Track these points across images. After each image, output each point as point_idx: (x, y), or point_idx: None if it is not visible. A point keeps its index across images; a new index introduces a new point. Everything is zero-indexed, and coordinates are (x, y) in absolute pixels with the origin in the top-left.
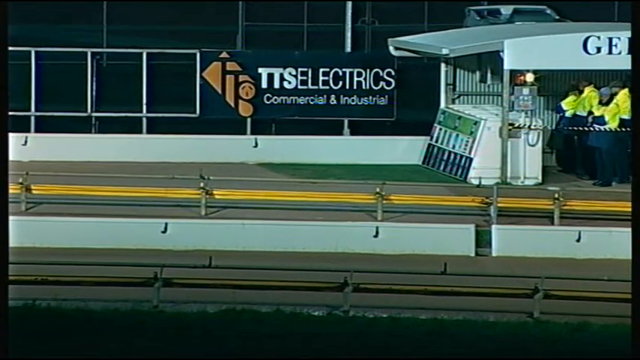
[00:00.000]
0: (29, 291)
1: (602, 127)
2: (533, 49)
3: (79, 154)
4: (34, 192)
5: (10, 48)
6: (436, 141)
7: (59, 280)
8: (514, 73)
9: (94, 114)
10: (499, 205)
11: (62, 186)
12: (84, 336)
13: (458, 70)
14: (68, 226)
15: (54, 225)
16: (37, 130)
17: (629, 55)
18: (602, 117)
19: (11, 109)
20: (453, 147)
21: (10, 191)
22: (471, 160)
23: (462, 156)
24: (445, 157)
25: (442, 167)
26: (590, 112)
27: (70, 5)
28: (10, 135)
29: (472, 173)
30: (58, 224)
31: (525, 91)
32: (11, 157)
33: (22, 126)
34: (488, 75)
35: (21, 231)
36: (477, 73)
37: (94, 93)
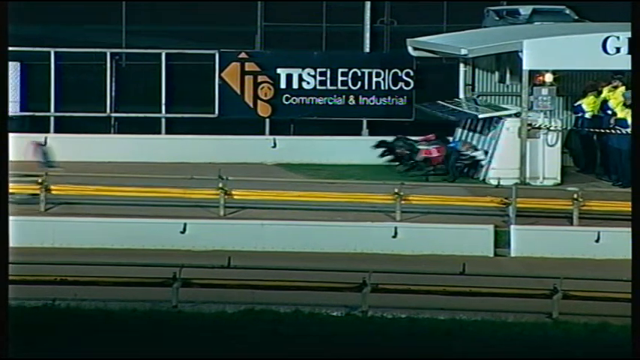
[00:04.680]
0: (49, 291)
1: (625, 130)
2: (552, 49)
3: (98, 155)
4: (53, 192)
5: (30, 49)
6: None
7: (78, 280)
8: (533, 74)
9: (113, 114)
10: (518, 205)
11: (81, 186)
12: (103, 336)
13: (477, 71)
14: (87, 227)
15: (73, 225)
16: (56, 131)
17: None
18: (625, 120)
19: (31, 109)
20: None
21: (30, 191)
22: (490, 160)
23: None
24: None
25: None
26: (614, 114)
27: (89, 6)
28: (30, 135)
29: (491, 174)
30: (77, 224)
31: (544, 91)
32: (30, 157)
33: (41, 126)
34: (507, 75)
35: (40, 231)
36: (496, 73)
37: (113, 93)
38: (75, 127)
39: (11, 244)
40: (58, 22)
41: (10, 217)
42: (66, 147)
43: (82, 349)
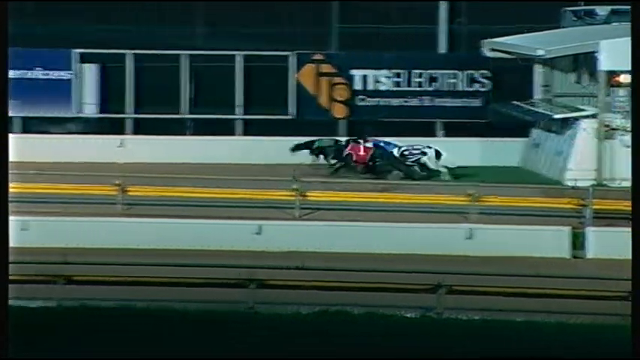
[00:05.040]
0: (125, 292)
1: None
2: (629, 50)
3: (174, 156)
4: (130, 194)
5: (107, 51)
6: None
7: (155, 281)
8: (610, 74)
9: (189, 116)
10: (595, 207)
11: (158, 187)
12: (179, 336)
13: (553, 72)
14: (163, 228)
15: (149, 226)
16: (133, 132)
17: None
18: None
19: (107, 111)
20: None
21: (106, 193)
22: (568, 161)
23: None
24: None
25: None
26: None
27: (166, 7)
28: (106, 137)
29: (568, 175)
30: (153, 225)
31: (621, 92)
32: (107, 159)
33: (119, 128)
34: (584, 76)
35: (117, 232)
36: (573, 74)
37: (190, 95)
38: (151, 128)
39: (89, 244)
40: (135, 24)
41: (88, 218)
42: (143, 148)
43: (159, 348)
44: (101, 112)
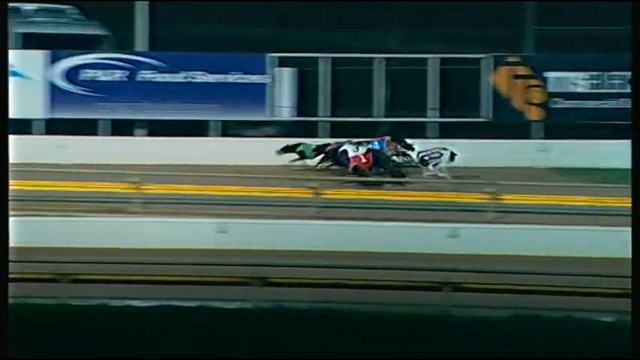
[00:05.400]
0: (320, 294)
1: None
2: None
3: None
4: (324, 196)
5: (302, 54)
6: None
7: (348, 283)
8: None
9: (383, 119)
10: None
11: (352, 190)
12: (374, 338)
13: None
14: (357, 231)
15: (343, 229)
16: (329, 135)
17: None
18: None
19: (302, 114)
20: None
21: (301, 195)
22: None
23: None
24: None
25: None
26: None
27: (361, 10)
28: (301, 140)
29: None
30: (347, 228)
31: None
32: (302, 161)
33: (313, 131)
34: None
35: (310, 235)
36: None
37: (384, 98)
38: (345, 131)
39: (284, 247)
40: (329, 28)
41: (283, 221)
42: None
43: (353, 349)
44: (297, 115)
